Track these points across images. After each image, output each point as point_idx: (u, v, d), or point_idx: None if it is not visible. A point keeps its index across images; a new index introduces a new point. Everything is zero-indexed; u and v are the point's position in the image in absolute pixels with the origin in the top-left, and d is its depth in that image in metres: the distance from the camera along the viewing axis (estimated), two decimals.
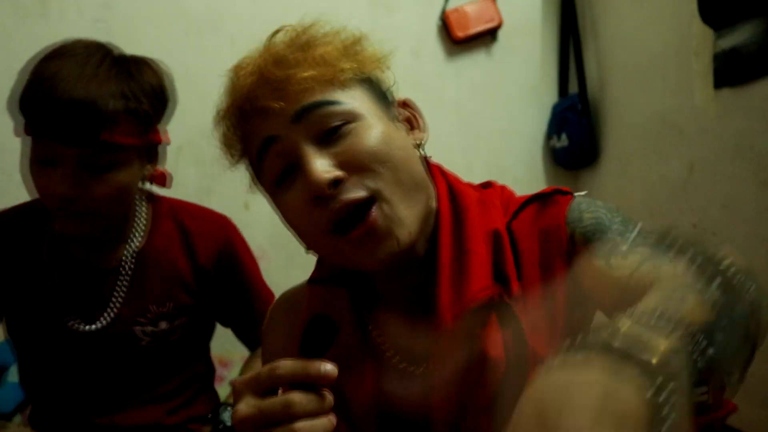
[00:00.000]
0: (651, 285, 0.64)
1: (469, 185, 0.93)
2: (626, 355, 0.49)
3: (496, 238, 0.85)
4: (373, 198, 0.79)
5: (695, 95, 1.95)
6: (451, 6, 2.53)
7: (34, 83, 1.14)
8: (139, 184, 1.28)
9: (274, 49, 0.84)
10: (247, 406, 0.67)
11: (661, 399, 0.46)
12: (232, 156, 0.90)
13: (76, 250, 1.32)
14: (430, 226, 0.87)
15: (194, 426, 1.41)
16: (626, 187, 2.38)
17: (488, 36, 2.60)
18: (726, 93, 1.85)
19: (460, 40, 2.55)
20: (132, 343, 1.32)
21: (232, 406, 1.34)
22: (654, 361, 0.48)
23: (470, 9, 2.54)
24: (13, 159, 1.31)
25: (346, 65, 0.83)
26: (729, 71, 1.81)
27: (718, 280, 0.62)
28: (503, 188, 0.95)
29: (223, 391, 1.68)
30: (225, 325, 1.50)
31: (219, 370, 2.05)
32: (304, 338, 0.71)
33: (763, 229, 1.76)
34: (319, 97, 0.81)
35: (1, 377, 1.89)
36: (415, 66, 2.55)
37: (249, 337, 1.52)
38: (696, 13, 1.86)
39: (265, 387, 0.68)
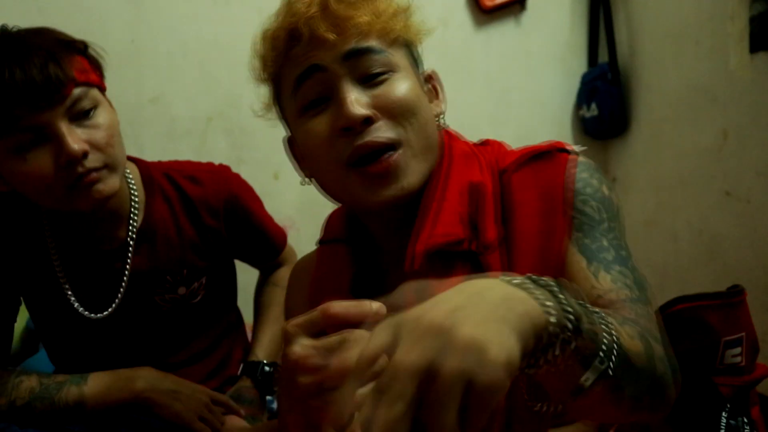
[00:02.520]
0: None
1: (465, 142, 0.98)
2: (543, 285, 0.58)
3: (472, 188, 0.90)
4: (396, 144, 0.86)
5: (730, 60, 1.92)
6: None
7: None
8: None
9: None
10: (302, 347, 0.68)
11: (553, 319, 0.55)
12: (262, 75, 0.94)
13: (78, 235, 1.27)
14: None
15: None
16: (657, 155, 2.35)
17: (517, 5, 2.57)
18: (762, 57, 1.81)
19: (489, 9, 2.53)
20: (155, 312, 1.32)
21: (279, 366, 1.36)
22: (563, 300, 0.58)
23: None
24: None
25: (398, 25, 0.90)
26: (765, 35, 1.78)
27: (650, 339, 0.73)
28: (499, 144, 0.99)
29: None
30: (240, 260, 1.51)
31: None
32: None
33: None
34: (372, 43, 0.87)
35: (38, 342, 1.93)
36: (444, 35, 2.53)
37: (265, 267, 1.55)
38: None
39: (319, 328, 0.69)
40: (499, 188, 0.92)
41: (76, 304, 1.28)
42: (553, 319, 0.55)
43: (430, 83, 0.98)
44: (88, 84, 1.15)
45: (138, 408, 1.23)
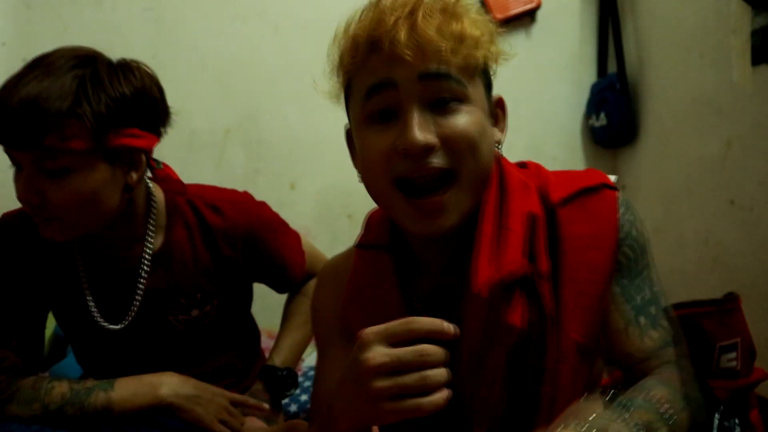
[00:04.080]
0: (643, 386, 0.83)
1: (514, 167, 1.00)
2: None
3: (531, 219, 0.92)
4: (450, 174, 0.87)
5: (733, 72, 1.96)
6: None
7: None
8: (123, 191, 1.24)
9: (429, 4, 0.88)
10: (380, 354, 0.76)
11: None
12: (337, 70, 0.95)
13: (100, 254, 1.34)
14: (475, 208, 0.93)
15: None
16: (664, 165, 2.39)
17: (527, 17, 2.63)
18: (763, 69, 1.85)
19: (500, 21, 2.57)
20: (169, 330, 1.38)
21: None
22: None
23: None
24: None
25: (480, 53, 0.89)
26: (767, 48, 1.82)
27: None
28: (538, 168, 1.02)
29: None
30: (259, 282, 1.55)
31: (268, 342, 2.14)
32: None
33: None
34: (451, 70, 0.86)
35: (65, 347, 2.01)
36: None
37: (283, 290, 1.58)
38: None
39: (399, 338, 0.77)
40: (548, 220, 0.94)
41: (96, 316, 1.35)
42: None
43: (497, 108, 0.98)
44: (64, 150, 1.12)
45: (162, 411, 1.30)
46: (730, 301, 1.31)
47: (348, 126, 0.99)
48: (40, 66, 1.14)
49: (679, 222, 2.30)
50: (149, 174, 1.37)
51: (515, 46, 2.76)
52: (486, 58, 0.91)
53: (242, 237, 1.38)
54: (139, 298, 1.34)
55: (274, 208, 1.50)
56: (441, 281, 0.98)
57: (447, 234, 0.89)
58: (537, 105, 2.69)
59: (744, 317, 1.33)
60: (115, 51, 1.33)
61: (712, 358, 1.26)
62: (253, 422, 1.38)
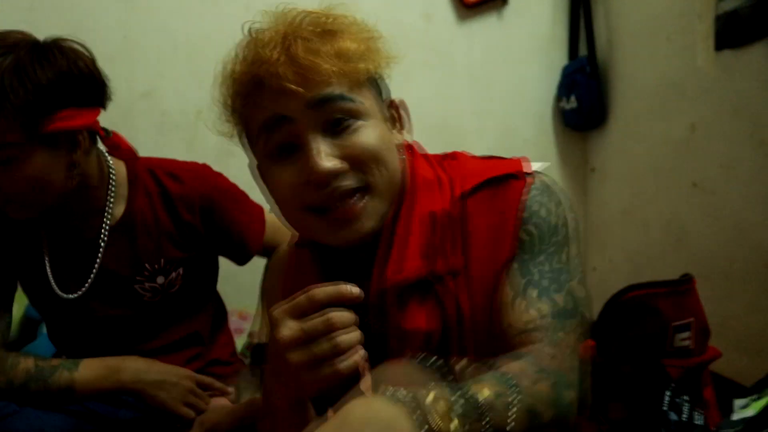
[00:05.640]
0: (513, 361, 0.79)
1: (429, 165, 0.99)
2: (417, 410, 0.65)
3: (433, 219, 0.93)
4: (362, 188, 0.88)
5: (698, 57, 1.99)
6: None
7: None
8: (69, 170, 1.26)
9: (300, 28, 0.88)
10: (290, 329, 0.77)
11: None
12: (226, 112, 0.96)
13: (63, 225, 1.37)
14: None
15: (217, 369, 1.50)
16: (632, 147, 2.43)
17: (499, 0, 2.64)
18: (726, 55, 1.89)
19: (472, 4, 2.59)
20: (136, 299, 1.40)
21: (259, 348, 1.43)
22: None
23: None
24: None
25: (363, 65, 0.89)
26: (729, 33, 1.85)
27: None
28: (465, 159, 1.01)
29: (240, 341, 1.79)
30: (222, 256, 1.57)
31: (238, 323, 2.16)
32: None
33: (759, 187, 1.82)
34: (337, 90, 0.87)
35: (36, 329, 2.02)
36: (428, 30, 2.60)
37: (243, 261, 1.58)
38: None
39: (304, 310, 0.78)
40: (460, 213, 0.94)
41: (54, 285, 1.37)
42: None
43: (394, 110, 0.99)
44: (2, 145, 1.17)
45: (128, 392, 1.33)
46: (685, 282, 1.35)
47: (250, 163, 0.99)
48: None
49: (645, 204, 2.35)
50: (103, 147, 1.39)
51: (487, 28, 2.80)
52: (372, 66, 0.91)
53: (200, 202, 1.40)
54: (96, 267, 1.37)
55: (245, 190, 1.51)
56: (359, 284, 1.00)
57: (364, 240, 0.91)
58: (509, 87, 2.70)
59: (698, 298, 1.37)
60: (85, 31, 1.32)
61: (666, 337, 1.31)
62: (219, 401, 1.40)
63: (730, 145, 1.91)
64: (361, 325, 0.80)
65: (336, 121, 0.88)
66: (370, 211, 0.89)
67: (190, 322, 1.49)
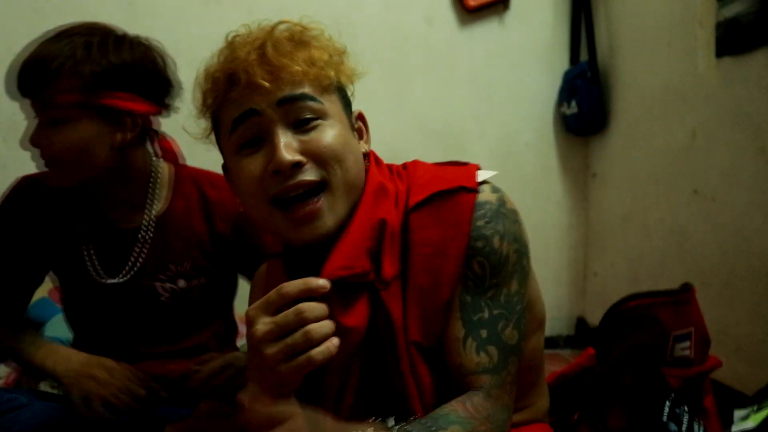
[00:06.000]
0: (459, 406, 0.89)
1: (383, 176, 1.02)
2: None
3: (376, 225, 0.96)
4: (322, 185, 0.93)
5: (698, 63, 1.99)
6: None
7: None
8: (112, 150, 1.34)
9: (277, 36, 0.95)
10: (264, 324, 0.82)
11: None
12: (202, 108, 1.01)
13: (105, 212, 1.43)
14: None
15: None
16: (633, 154, 2.43)
17: (501, 4, 2.65)
18: (727, 61, 1.89)
19: (473, 8, 2.60)
20: (153, 297, 1.43)
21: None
22: None
23: None
24: None
25: (331, 72, 0.96)
26: (730, 40, 1.86)
27: None
28: (418, 170, 1.04)
29: (240, 343, 1.79)
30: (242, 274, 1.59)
31: (241, 328, 2.16)
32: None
33: (760, 194, 1.82)
34: (307, 90, 0.94)
35: (37, 330, 2.02)
36: (429, 34, 2.61)
37: None
38: None
39: (275, 306, 0.83)
40: (404, 226, 0.98)
41: (91, 271, 1.43)
42: None
43: (359, 122, 1.04)
44: (56, 103, 1.27)
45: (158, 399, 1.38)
46: (685, 291, 1.35)
47: (223, 163, 1.04)
48: (62, 33, 1.30)
49: (646, 210, 2.35)
50: (154, 149, 1.48)
51: (488, 32, 2.81)
52: (338, 76, 0.98)
53: (236, 216, 1.45)
54: (142, 258, 1.42)
55: None
56: None
57: (324, 239, 0.94)
58: (510, 92, 2.72)
59: (698, 307, 1.37)
60: None
61: (666, 346, 1.31)
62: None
63: (731, 152, 1.91)
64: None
65: (303, 120, 0.94)
66: (329, 210, 0.94)
67: (198, 333, 1.50)
